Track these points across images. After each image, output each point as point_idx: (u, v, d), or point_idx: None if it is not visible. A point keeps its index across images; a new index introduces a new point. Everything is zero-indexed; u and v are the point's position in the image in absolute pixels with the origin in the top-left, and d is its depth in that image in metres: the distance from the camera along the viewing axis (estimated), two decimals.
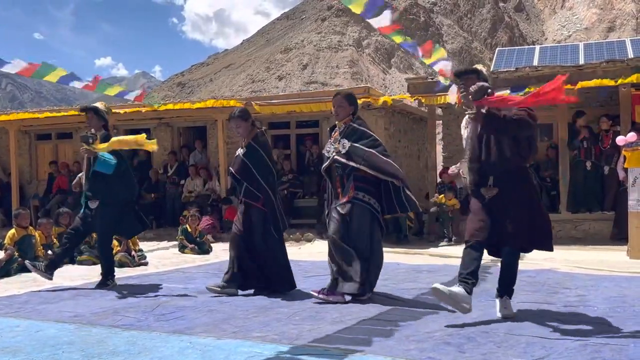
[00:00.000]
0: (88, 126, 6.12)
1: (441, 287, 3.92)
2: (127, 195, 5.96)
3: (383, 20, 6.11)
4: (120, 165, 5.81)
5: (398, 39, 6.59)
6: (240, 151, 5.45)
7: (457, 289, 3.91)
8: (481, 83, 4.05)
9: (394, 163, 5.01)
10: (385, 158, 4.92)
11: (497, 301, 4.23)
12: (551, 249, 4.21)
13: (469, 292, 3.93)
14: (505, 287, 4.20)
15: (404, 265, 7.34)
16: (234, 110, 5.55)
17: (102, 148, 5.75)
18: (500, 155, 4.02)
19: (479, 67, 4.35)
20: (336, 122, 5.19)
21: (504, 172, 4.03)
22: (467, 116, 4.31)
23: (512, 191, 4.02)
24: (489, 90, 4.03)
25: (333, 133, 5.16)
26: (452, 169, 4.38)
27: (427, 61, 7.43)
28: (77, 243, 6.45)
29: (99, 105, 6.16)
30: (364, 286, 4.87)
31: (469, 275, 3.96)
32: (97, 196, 5.84)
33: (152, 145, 5.86)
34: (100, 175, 5.77)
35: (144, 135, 5.94)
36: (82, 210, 5.98)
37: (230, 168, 5.54)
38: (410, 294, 5.22)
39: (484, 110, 4.02)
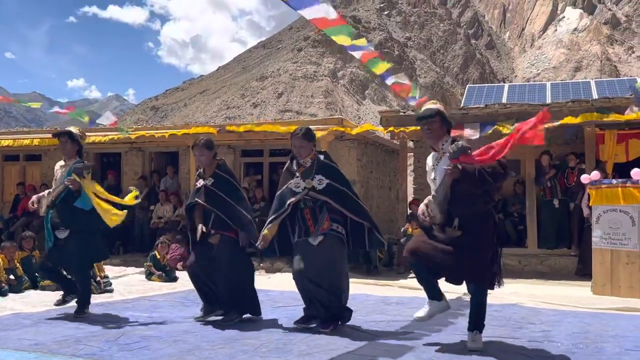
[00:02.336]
0: (62, 150, 5.86)
1: (420, 314, 4.29)
2: (99, 225, 5.70)
3: (365, 49, 6.26)
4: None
5: (379, 69, 6.70)
6: (203, 182, 5.40)
7: (428, 305, 4.29)
8: (461, 144, 4.09)
9: (361, 202, 5.18)
10: (356, 200, 5.08)
11: (468, 334, 4.31)
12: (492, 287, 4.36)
13: (439, 299, 4.32)
14: (475, 322, 4.29)
15: (373, 296, 7.34)
16: (200, 138, 5.53)
17: (88, 185, 5.52)
18: (469, 201, 4.11)
19: (437, 105, 4.38)
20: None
21: (470, 214, 4.13)
22: (433, 153, 4.40)
23: (476, 231, 4.12)
24: (469, 150, 4.07)
25: (298, 168, 5.12)
26: (422, 211, 4.36)
27: (403, 95, 7.60)
28: (57, 272, 5.98)
29: (73, 129, 5.93)
30: (335, 317, 4.93)
31: (433, 294, 4.35)
32: (68, 225, 5.59)
33: (111, 221, 5.62)
34: (70, 204, 5.54)
35: (132, 195, 5.86)
36: (50, 244, 5.63)
37: (198, 199, 5.36)
38: (379, 326, 5.22)
39: (459, 167, 4.08)
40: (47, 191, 5.99)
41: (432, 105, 4.40)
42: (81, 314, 5.67)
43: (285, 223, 5.13)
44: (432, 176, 4.34)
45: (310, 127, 5.42)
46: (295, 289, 5.14)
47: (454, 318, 5.59)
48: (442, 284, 4.39)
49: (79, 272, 5.78)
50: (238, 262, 5.36)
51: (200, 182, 5.43)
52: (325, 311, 4.91)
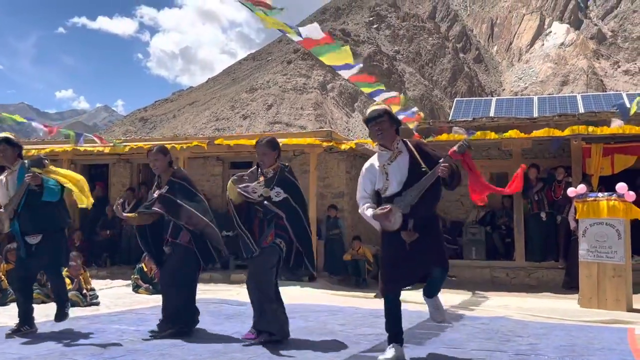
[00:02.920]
0: (4, 159, 5.60)
1: (387, 356, 4.16)
2: (66, 222, 5.63)
3: (354, 70, 6.33)
4: (62, 191, 5.52)
5: (367, 89, 6.77)
6: (159, 191, 5.37)
7: (393, 349, 4.19)
8: (467, 140, 4.22)
9: (308, 224, 5.12)
10: (304, 224, 5.03)
11: (428, 300, 4.45)
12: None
13: (401, 343, 4.28)
14: (435, 292, 4.42)
15: (362, 309, 7.32)
16: (153, 146, 5.50)
17: (53, 172, 5.42)
18: (430, 203, 4.20)
19: (383, 106, 4.38)
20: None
21: (426, 216, 4.19)
22: (381, 152, 4.33)
23: (431, 230, 4.22)
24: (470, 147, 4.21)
25: (260, 176, 5.10)
26: (386, 216, 4.28)
27: (395, 109, 7.66)
28: (30, 292, 5.77)
29: (9, 135, 5.73)
30: (281, 329, 4.92)
31: (397, 335, 4.28)
32: (40, 229, 5.43)
33: (87, 201, 5.54)
34: (38, 206, 5.36)
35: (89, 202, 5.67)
36: (24, 254, 5.45)
37: (155, 208, 5.31)
38: (368, 339, 5.21)
39: (453, 165, 4.10)
40: None
41: (377, 106, 4.39)
42: (63, 317, 5.59)
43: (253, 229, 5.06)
44: (382, 179, 4.24)
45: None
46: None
47: (441, 331, 5.59)
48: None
49: (55, 274, 5.70)
50: (182, 273, 5.27)
51: (157, 192, 5.39)
52: (260, 321, 4.93)
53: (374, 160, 4.38)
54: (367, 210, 4.29)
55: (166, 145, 5.65)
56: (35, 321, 5.57)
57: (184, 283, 5.31)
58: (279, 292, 5.05)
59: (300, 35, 5.62)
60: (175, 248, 5.27)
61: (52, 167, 5.59)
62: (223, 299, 8.08)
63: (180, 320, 5.28)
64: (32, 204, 5.38)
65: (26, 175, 5.34)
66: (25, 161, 5.59)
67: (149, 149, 5.55)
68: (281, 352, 4.62)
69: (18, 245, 5.68)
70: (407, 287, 4.48)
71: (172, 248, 5.29)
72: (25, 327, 5.44)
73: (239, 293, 9.11)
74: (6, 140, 5.59)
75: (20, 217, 5.43)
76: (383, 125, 4.24)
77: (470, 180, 4.48)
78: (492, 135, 9.75)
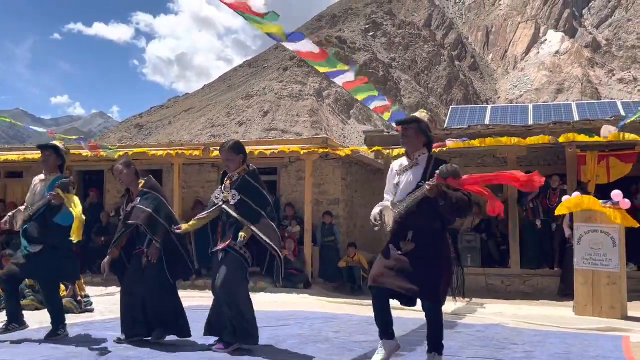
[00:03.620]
0: (44, 164, 5.72)
1: (379, 358, 4.15)
2: (72, 243, 5.51)
3: (347, 77, 6.32)
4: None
5: (362, 96, 6.76)
6: (132, 204, 5.34)
7: (383, 346, 4.19)
8: (454, 167, 4.05)
9: (277, 231, 5.00)
10: (269, 221, 4.90)
11: (427, 356, 4.21)
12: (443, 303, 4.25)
13: (392, 337, 4.23)
14: (433, 343, 4.19)
15: (357, 317, 7.31)
16: (119, 159, 5.52)
17: (71, 201, 5.39)
18: (428, 217, 4.11)
19: (420, 115, 4.40)
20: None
21: (426, 230, 4.12)
22: (404, 158, 4.38)
23: (430, 247, 4.10)
24: (459, 175, 4.04)
25: (225, 180, 5.08)
26: (374, 216, 4.30)
27: (386, 116, 7.66)
28: (16, 289, 5.80)
29: (59, 144, 5.82)
30: (235, 336, 4.84)
31: (386, 331, 4.23)
32: (43, 240, 5.44)
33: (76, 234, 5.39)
34: (47, 220, 5.43)
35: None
36: (22, 254, 5.51)
37: (133, 221, 5.25)
38: (362, 347, 5.20)
39: (440, 187, 4.04)
40: (21, 207, 5.78)
41: (417, 113, 4.45)
42: (54, 337, 5.47)
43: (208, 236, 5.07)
44: (396, 181, 4.31)
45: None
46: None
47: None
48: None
49: (46, 288, 5.65)
50: (165, 280, 5.24)
51: (130, 206, 5.36)
52: (230, 330, 4.84)
53: (396, 164, 4.46)
54: (375, 209, 4.36)
55: (129, 160, 5.60)
56: (24, 319, 5.60)
57: (172, 290, 5.29)
58: (248, 298, 4.96)
59: (293, 43, 5.60)
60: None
61: (71, 196, 5.48)
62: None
63: (171, 327, 5.26)
64: (46, 217, 5.45)
65: (50, 192, 5.39)
66: (61, 176, 5.63)
67: (114, 164, 5.54)
68: (276, 359, 4.60)
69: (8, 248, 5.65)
70: (391, 296, 4.24)
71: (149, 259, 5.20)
72: (13, 325, 5.46)
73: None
74: (54, 148, 5.70)
75: (31, 223, 5.50)
76: (408, 132, 4.29)
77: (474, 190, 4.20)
78: (487, 141, 9.76)
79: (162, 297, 5.22)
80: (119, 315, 7.32)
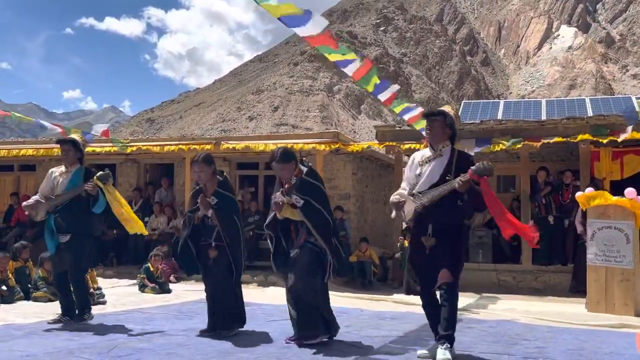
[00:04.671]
0: (64, 157, 5.94)
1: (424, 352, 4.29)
2: (98, 229, 5.92)
3: (355, 66, 6.28)
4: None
5: (371, 85, 6.72)
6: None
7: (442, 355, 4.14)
8: (490, 165, 4.11)
9: (333, 224, 5.01)
10: (330, 227, 4.93)
11: (437, 345, 4.22)
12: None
13: (451, 346, 4.21)
14: (445, 334, 4.21)
15: (368, 311, 7.31)
16: (198, 154, 5.47)
17: (109, 192, 5.72)
18: (450, 212, 4.20)
19: (446, 109, 4.46)
20: None
21: (446, 224, 4.22)
22: (427, 149, 4.44)
23: (449, 242, 4.22)
24: (492, 174, 4.16)
25: (285, 183, 5.05)
26: (399, 205, 4.36)
27: (397, 110, 7.61)
28: (66, 285, 5.93)
29: (77, 137, 6.05)
30: (316, 330, 4.88)
31: (445, 334, 4.20)
32: (71, 229, 5.67)
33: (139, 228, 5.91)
34: (77, 208, 5.67)
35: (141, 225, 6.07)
36: (53, 249, 5.73)
37: (207, 214, 5.31)
38: (374, 342, 5.19)
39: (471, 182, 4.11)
40: (35, 197, 5.93)
41: (443, 107, 4.50)
42: (81, 321, 5.71)
43: (280, 239, 5.12)
44: (418, 171, 4.37)
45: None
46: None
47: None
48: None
49: (76, 276, 5.78)
50: (230, 273, 5.33)
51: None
52: (308, 322, 4.86)
53: (417, 155, 4.50)
54: (392, 197, 4.44)
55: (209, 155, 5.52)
56: (67, 315, 5.83)
57: (237, 283, 5.40)
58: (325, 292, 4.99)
59: (308, 19, 5.53)
60: (223, 251, 5.28)
61: (111, 188, 5.86)
62: None
63: (238, 319, 5.39)
64: (73, 208, 5.69)
65: (88, 183, 5.67)
66: (84, 168, 5.93)
67: (193, 159, 5.48)
68: (287, 352, 4.61)
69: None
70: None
71: (219, 251, 5.27)
72: (65, 318, 5.77)
73: (246, 294, 9.12)
74: (73, 142, 5.95)
75: (58, 214, 5.71)
76: (434, 124, 4.35)
77: (489, 207, 4.30)
78: (499, 147, 9.70)
79: (225, 290, 5.29)
80: (130, 308, 7.41)
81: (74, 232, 5.67)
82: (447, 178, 4.18)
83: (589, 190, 8.29)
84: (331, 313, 5.01)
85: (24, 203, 5.96)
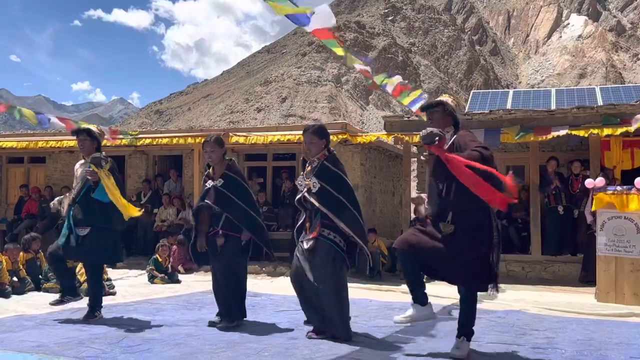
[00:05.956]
0: (81, 148, 5.83)
1: (400, 318, 4.29)
2: (117, 223, 5.66)
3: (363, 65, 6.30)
4: None
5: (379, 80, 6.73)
6: (211, 182, 5.32)
7: (413, 309, 4.27)
8: (430, 129, 3.99)
9: (361, 221, 4.77)
10: (354, 212, 4.71)
11: (455, 340, 4.23)
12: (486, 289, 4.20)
13: (424, 304, 4.28)
14: (463, 327, 4.22)
15: (376, 302, 7.32)
16: (210, 135, 5.46)
17: (104, 176, 5.46)
18: (460, 194, 4.00)
19: (445, 98, 4.39)
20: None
21: (463, 210, 4.03)
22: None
23: (469, 230, 4.01)
24: (438, 138, 3.95)
25: (307, 166, 4.91)
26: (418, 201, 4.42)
27: (405, 101, 7.60)
28: (64, 266, 5.94)
29: (92, 127, 5.96)
30: (325, 324, 4.81)
31: (418, 296, 4.31)
32: (90, 222, 5.54)
33: (132, 211, 5.56)
34: (95, 201, 5.53)
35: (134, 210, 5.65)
36: (63, 238, 5.62)
37: (207, 201, 5.28)
38: (382, 332, 5.20)
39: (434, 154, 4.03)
40: (68, 193, 5.98)
41: (441, 97, 4.45)
42: (91, 317, 5.59)
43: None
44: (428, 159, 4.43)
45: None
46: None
47: (457, 324, 5.56)
48: (436, 290, 4.40)
49: (92, 272, 5.73)
50: (238, 265, 5.33)
51: (210, 183, 5.34)
52: (321, 319, 4.78)
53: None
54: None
55: (220, 137, 5.50)
56: (76, 295, 5.87)
57: (241, 274, 5.36)
58: (341, 288, 4.80)
59: (312, 14, 5.53)
60: (230, 239, 5.23)
61: (106, 173, 5.53)
62: None
63: (239, 312, 5.35)
64: (89, 198, 5.55)
65: (86, 169, 5.53)
66: (94, 154, 5.69)
67: (205, 139, 5.43)
68: (295, 342, 4.63)
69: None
70: (430, 274, 4.37)
71: (226, 240, 5.21)
72: (68, 297, 5.77)
73: (254, 284, 9.16)
74: (88, 131, 5.80)
75: (75, 206, 5.62)
76: (434, 115, 4.32)
77: (459, 178, 3.95)
78: (508, 138, 9.64)
79: (231, 280, 5.26)
80: (140, 298, 7.46)
81: (93, 224, 5.54)
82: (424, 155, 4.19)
83: (600, 180, 8.24)
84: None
85: (51, 204, 6.01)
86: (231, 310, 5.32)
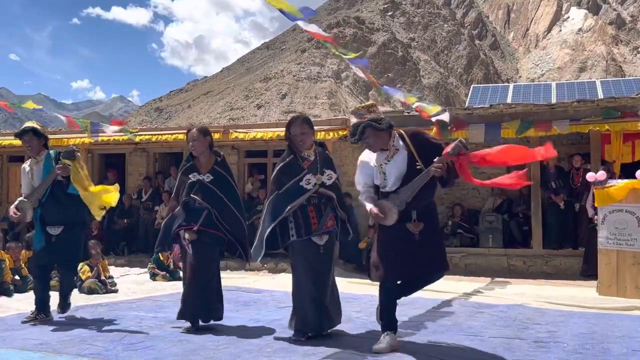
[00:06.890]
0: (29, 149, 5.61)
1: (380, 346, 4.12)
2: (88, 216, 5.55)
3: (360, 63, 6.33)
4: None
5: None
6: (199, 176, 5.06)
7: (388, 337, 4.15)
8: (460, 140, 4.00)
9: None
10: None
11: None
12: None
13: (395, 330, 4.26)
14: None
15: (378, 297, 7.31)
16: (194, 127, 5.30)
17: (79, 167, 5.28)
18: (427, 193, 4.17)
19: (365, 119, 4.14)
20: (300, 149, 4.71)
21: (425, 206, 4.19)
22: (374, 157, 4.24)
23: (432, 222, 4.24)
24: (463, 146, 3.98)
25: (302, 162, 4.67)
26: (381, 217, 4.24)
27: (411, 100, 7.70)
28: (48, 279, 5.77)
29: (35, 125, 5.66)
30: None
31: (392, 325, 4.24)
32: (62, 220, 5.40)
33: (111, 199, 5.37)
34: (64, 197, 5.36)
35: (112, 193, 5.44)
36: (40, 243, 5.41)
37: (193, 195, 4.99)
38: None
39: (449, 163, 4.03)
40: (20, 198, 5.57)
41: (356, 119, 4.21)
42: (66, 307, 5.59)
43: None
44: (383, 171, 4.17)
45: (315, 127, 5.18)
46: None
47: (458, 318, 5.57)
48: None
49: (72, 269, 5.66)
50: (215, 265, 5.15)
51: (195, 176, 5.08)
52: (326, 316, 4.68)
53: (368, 158, 4.30)
54: (366, 204, 4.29)
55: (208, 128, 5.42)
56: (51, 309, 5.58)
57: (216, 272, 5.16)
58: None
59: (303, 17, 5.59)
60: (211, 237, 5.01)
61: (79, 164, 5.38)
62: (239, 287, 8.12)
63: (212, 313, 5.10)
64: (57, 195, 5.38)
65: (57, 166, 5.32)
66: (52, 152, 5.58)
67: (188, 129, 5.33)
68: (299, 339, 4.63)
69: (31, 236, 5.60)
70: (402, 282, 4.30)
71: (201, 237, 4.97)
72: (41, 316, 5.45)
73: (256, 281, 9.16)
74: (33, 130, 5.58)
75: (43, 207, 5.43)
76: (369, 140, 4.14)
77: (472, 182, 4.22)
78: (509, 133, 9.64)
79: (210, 277, 5.06)
80: (142, 296, 7.46)
81: (66, 222, 5.40)
82: (417, 167, 4.06)
83: (601, 173, 8.23)
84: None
85: (11, 213, 5.47)
86: (206, 311, 5.06)
